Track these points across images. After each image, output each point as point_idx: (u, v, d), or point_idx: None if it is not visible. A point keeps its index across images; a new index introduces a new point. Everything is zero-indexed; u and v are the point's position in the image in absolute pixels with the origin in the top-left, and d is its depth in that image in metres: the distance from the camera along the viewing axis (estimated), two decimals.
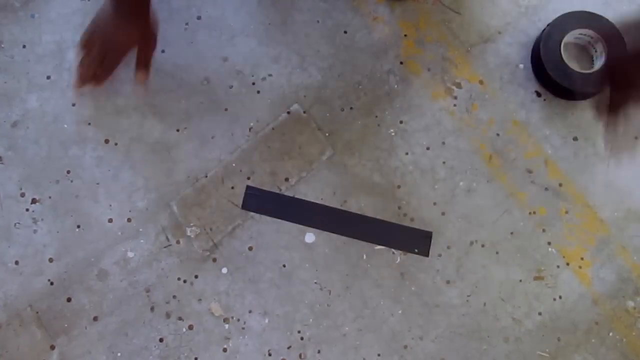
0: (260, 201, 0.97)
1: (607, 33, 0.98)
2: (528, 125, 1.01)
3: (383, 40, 1.04)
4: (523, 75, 1.03)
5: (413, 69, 1.03)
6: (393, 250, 0.96)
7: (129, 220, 0.96)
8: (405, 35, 1.04)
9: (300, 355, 0.93)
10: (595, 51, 1.01)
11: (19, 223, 0.96)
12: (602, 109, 0.71)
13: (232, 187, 0.98)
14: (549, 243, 0.97)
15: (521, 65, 1.03)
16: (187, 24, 1.03)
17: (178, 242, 0.96)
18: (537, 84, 1.02)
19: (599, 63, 0.99)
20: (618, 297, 0.96)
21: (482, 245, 0.97)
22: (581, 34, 1.00)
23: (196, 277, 0.95)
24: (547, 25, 1.00)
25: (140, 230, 0.96)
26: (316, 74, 1.02)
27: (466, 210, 0.98)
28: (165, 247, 0.96)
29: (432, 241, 0.97)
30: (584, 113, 1.02)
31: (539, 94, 1.02)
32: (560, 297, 0.96)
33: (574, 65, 0.99)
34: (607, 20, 0.99)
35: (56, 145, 0.98)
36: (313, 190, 0.98)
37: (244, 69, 1.02)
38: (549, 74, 0.98)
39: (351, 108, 1.01)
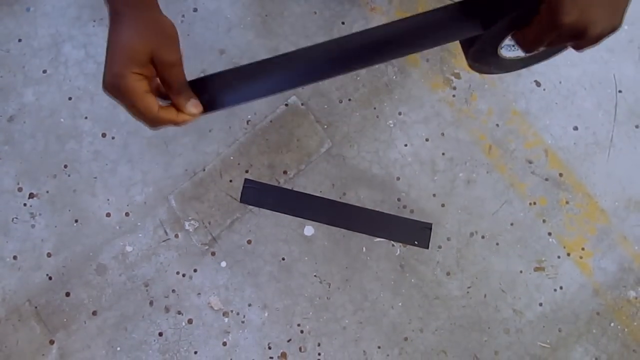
0: (259, 194, 0.97)
1: None
2: (528, 115, 1.01)
3: None
4: None
5: (411, 59, 1.02)
6: (393, 242, 0.96)
7: (127, 214, 0.96)
8: None
9: (300, 349, 0.93)
10: None
11: (16, 218, 0.95)
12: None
13: (231, 181, 0.97)
14: (550, 233, 0.97)
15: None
16: (183, 16, 1.02)
17: (176, 236, 0.95)
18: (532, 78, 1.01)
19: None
20: (619, 287, 0.96)
21: (482, 237, 0.97)
22: None
23: (195, 271, 0.94)
24: None
25: (139, 224, 0.95)
26: None
27: (466, 202, 0.98)
28: (163, 241, 0.95)
29: (432, 233, 0.96)
30: (584, 102, 1.01)
31: (538, 84, 1.02)
32: (561, 288, 0.95)
33: None
34: None
35: (53, 139, 0.98)
36: (312, 182, 0.98)
37: (241, 61, 1.01)
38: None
39: (349, 100, 1.00)
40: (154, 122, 0.55)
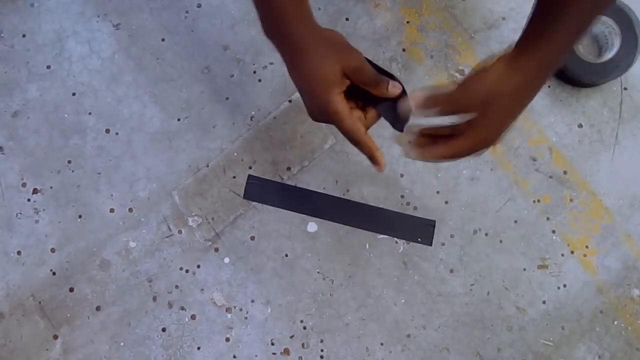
0: (262, 190, 0.97)
1: (621, 21, 0.97)
2: (532, 112, 1.00)
3: (385, 27, 1.03)
4: None
5: (416, 56, 1.02)
6: (396, 239, 0.96)
7: (130, 210, 0.96)
8: (407, 22, 1.03)
9: (302, 345, 0.93)
10: (607, 41, 0.99)
11: (20, 213, 0.96)
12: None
13: (234, 177, 0.97)
14: (554, 231, 0.97)
15: None
16: (187, 12, 1.02)
17: (180, 231, 0.95)
18: None
19: (609, 53, 0.97)
20: (623, 285, 0.95)
21: (486, 234, 0.96)
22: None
23: (198, 266, 0.95)
24: None
25: (142, 220, 0.96)
26: None
27: (469, 199, 0.97)
28: (167, 237, 0.95)
29: (436, 230, 0.96)
30: (589, 100, 1.01)
31: None
32: (564, 286, 0.95)
33: (582, 53, 0.98)
34: (624, 8, 0.97)
35: (57, 135, 0.98)
36: (315, 179, 0.98)
37: (245, 57, 1.01)
38: None
39: None
40: (358, 141, 0.62)
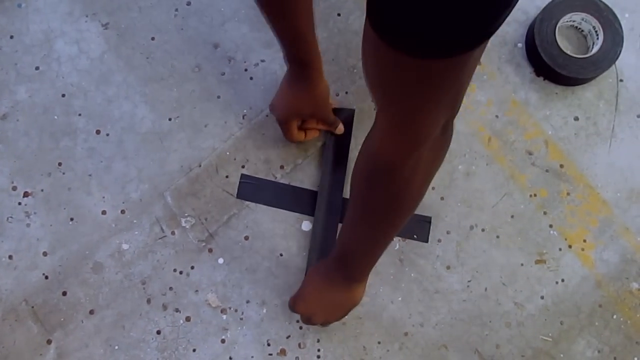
0: (256, 190, 0.96)
1: (603, 17, 0.97)
2: (527, 106, 0.99)
3: None
4: (521, 55, 1.01)
5: None
6: None
7: (122, 211, 0.95)
8: None
9: (299, 345, 0.92)
10: (591, 35, 0.99)
11: (11, 217, 0.94)
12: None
13: (227, 176, 0.96)
14: (551, 225, 0.96)
15: (519, 45, 1.01)
16: (176, 10, 1.01)
17: (173, 233, 0.94)
18: (531, 68, 1.00)
19: (595, 47, 0.97)
20: (621, 278, 0.95)
21: (482, 230, 0.95)
22: (579, 18, 0.98)
23: (192, 268, 0.94)
24: (541, 10, 0.98)
25: (135, 221, 0.95)
26: None
27: (465, 194, 0.96)
28: (160, 238, 0.94)
29: (432, 226, 0.95)
30: (585, 92, 1.00)
31: (537, 73, 1.00)
32: (562, 280, 0.94)
33: (568, 49, 0.97)
34: (603, 4, 0.97)
35: (47, 137, 0.97)
36: (309, 177, 0.97)
37: (235, 55, 1.00)
38: (543, 59, 0.96)
39: (346, 92, 0.99)
40: (291, 140, 0.93)
